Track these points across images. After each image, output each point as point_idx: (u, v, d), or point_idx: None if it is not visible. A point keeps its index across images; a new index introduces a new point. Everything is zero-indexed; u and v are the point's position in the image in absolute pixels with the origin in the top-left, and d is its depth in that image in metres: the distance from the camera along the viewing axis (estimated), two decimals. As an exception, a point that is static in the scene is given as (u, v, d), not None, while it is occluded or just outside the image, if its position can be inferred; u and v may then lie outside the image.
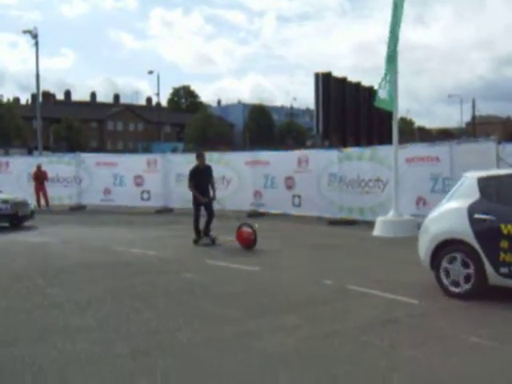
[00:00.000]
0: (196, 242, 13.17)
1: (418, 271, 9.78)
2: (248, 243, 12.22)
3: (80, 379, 5.01)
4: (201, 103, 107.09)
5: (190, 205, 21.26)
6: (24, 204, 17.57)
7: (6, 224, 16.83)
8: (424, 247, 8.35)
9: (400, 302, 7.61)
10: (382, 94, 14.89)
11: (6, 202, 16.87)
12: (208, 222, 13.19)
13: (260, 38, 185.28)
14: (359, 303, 7.62)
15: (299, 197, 18.57)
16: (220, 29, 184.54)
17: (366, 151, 17.35)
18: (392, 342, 5.94)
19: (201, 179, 13.23)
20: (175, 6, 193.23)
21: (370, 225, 15.06)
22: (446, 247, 7.97)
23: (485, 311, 7.22)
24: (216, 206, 13.68)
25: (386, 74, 14.72)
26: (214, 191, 13.37)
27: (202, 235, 13.19)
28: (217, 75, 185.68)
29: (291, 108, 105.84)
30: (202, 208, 13.31)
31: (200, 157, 13.45)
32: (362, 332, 6.28)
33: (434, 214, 8.54)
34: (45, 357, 5.50)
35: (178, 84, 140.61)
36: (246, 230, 12.37)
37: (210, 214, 13.23)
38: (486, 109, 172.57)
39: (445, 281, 7.90)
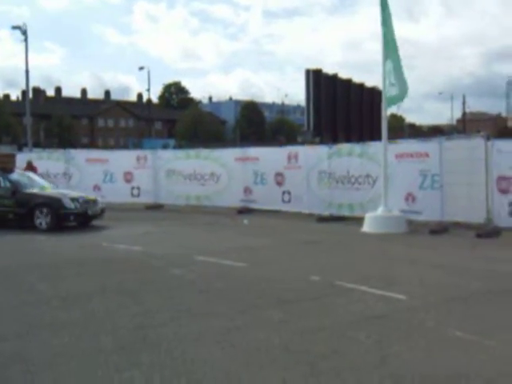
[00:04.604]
0: None
1: (406, 267, 9.87)
2: None
3: (66, 373, 5.01)
4: (191, 99, 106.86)
5: (180, 201, 21.68)
6: (94, 202, 16.32)
7: (74, 223, 15.60)
8: None
9: (387, 298, 7.64)
10: (390, 91, 14.62)
11: (75, 200, 15.71)
12: None
13: (247, 33, 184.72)
14: (346, 299, 7.64)
15: (289, 193, 18.56)
16: (205, 23, 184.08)
17: (356, 147, 17.37)
18: (378, 337, 5.96)
19: None
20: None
21: (359, 221, 15.08)
22: None
23: (469, 307, 7.29)
24: None
25: (388, 70, 14.43)
26: None
27: None
28: (204, 71, 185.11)
29: (282, 104, 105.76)
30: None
31: None
32: (349, 328, 6.31)
33: None
34: (32, 351, 5.50)
35: (164, 79, 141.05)
36: None
37: None
38: (476, 105, 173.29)
39: None
